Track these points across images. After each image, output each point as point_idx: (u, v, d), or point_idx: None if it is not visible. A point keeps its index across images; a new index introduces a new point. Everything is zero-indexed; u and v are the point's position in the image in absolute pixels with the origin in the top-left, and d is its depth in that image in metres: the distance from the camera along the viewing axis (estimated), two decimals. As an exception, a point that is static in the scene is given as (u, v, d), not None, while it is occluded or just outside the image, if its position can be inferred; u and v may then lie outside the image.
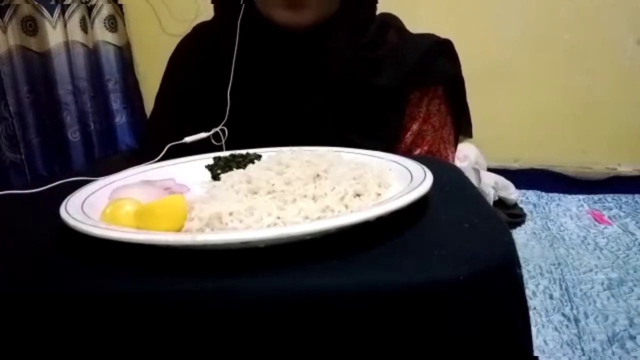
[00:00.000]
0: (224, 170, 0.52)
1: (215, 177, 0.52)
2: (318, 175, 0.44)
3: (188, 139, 0.59)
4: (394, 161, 0.50)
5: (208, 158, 0.56)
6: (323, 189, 0.42)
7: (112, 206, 0.41)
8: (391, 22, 0.76)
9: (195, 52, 0.77)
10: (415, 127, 0.72)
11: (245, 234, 0.34)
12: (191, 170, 0.54)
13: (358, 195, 0.42)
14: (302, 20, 0.66)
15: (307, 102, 0.69)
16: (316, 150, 0.53)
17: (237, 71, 0.68)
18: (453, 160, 0.76)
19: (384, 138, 0.69)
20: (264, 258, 0.34)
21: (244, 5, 0.70)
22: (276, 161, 0.47)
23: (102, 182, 0.48)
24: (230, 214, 0.38)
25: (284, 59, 0.70)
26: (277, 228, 0.35)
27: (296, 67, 0.70)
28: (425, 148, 0.72)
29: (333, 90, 0.69)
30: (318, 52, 0.69)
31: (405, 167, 0.47)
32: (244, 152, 0.56)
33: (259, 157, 0.55)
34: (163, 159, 0.56)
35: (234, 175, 0.47)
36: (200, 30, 0.79)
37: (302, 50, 0.69)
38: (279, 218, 0.38)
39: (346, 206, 0.40)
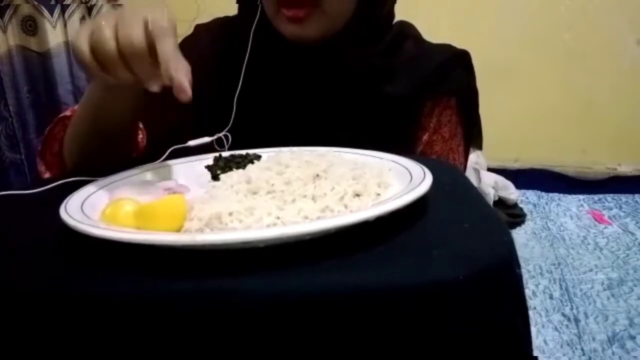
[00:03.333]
0: (224, 171, 0.52)
1: (215, 178, 0.52)
2: (317, 175, 0.44)
3: (191, 143, 0.59)
4: (393, 161, 0.50)
5: (208, 158, 0.56)
6: (322, 189, 0.42)
7: (112, 206, 0.41)
8: (409, 31, 0.76)
9: (210, 46, 0.76)
10: (425, 137, 0.72)
11: (245, 234, 0.34)
12: (191, 171, 0.54)
13: (357, 195, 0.42)
14: (308, 34, 0.66)
15: (318, 114, 0.69)
16: (316, 150, 0.52)
17: (247, 79, 0.68)
18: (463, 171, 0.76)
19: (399, 148, 0.69)
20: (264, 258, 0.34)
21: (258, 15, 0.69)
22: (276, 161, 0.47)
23: (102, 182, 0.48)
24: (230, 214, 0.38)
25: (294, 71, 0.69)
26: (276, 228, 0.35)
27: (307, 80, 0.69)
28: (434, 157, 0.72)
29: (345, 103, 0.69)
30: (329, 64, 0.69)
31: (405, 167, 0.47)
32: (243, 152, 0.56)
33: (258, 157, 0.55)
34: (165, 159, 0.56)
35: (234, 176, 0.47)
36: (221, 26, 0.79)
37: (313, 63, 0.69)
38: (278, 218, 0.38)
39: (346, 206, 0.40)
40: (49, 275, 0.34)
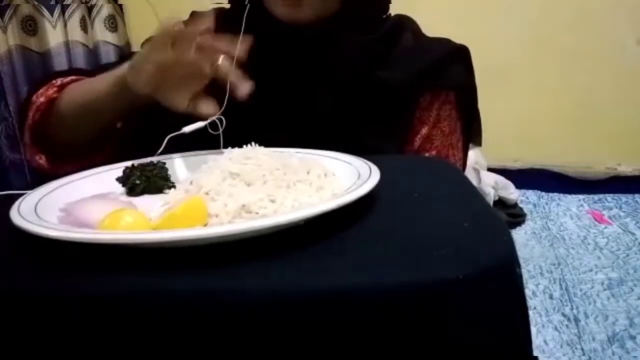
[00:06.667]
0: (141, 180, 0.50)
1: (132, 189, 0.50)
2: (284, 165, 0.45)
3: (186, 129, 0.58)
4: (336, 159, 0.52)
5: (117, 168, 0.53)
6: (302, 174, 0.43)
7: (110, 218, 0.40)
8: (407, 24, 0.75)
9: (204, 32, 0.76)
10: (424, 131, 0.72)
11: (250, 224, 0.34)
12: (100, 184, 0.52)
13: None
14: (302, 17, 0.66)
15: (313, 99, 0.69)
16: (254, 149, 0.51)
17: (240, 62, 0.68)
18: (462, 168, 0.75)
19: (394, 138, 0.69)
20: (264, 258, 0.34)
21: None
22: (244, 157, 0.47)
23: (54, 184, 0.48)
24: (255, 203, 0.39)
25: (288, 54, 0.69)
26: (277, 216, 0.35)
27: (301, 64, 0.69)
28: (434, 153, 0.71)
29: (339, 88, 0.69)
30: (323, 48, 0.69)
31: (349, 163, 0.49)
32: (148, 159, 0.54)
33: (163, 163, 0.53)
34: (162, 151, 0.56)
35: (215, 173, 0.45)
36: (217, 14, 0.78)
37: (307, 47, 0.69)
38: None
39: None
40: (48, 276, 0.34)
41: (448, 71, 0.71)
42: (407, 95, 0.70)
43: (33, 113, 0.67)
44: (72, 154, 0.68)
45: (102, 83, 0.63)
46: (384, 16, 0.75)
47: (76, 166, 0.67)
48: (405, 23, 0.75)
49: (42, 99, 0.67)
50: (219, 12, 0.78)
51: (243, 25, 0.69)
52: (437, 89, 0.71)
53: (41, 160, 0.68)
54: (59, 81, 0.69)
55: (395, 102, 0.69)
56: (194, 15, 0.79)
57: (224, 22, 0.74)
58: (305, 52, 0.69)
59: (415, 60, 0.70)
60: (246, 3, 0.70)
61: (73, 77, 0.70)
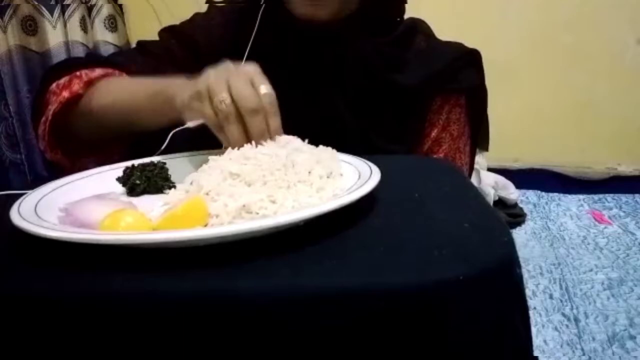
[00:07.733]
0: (142, 180, 0.50)
1: (133, 188, 0.50)
2: (285, 165, 0.45)
3: (190, 124, 0.57)
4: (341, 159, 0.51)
5: (117, 169, 0.53)
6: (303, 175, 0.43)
7: (110, 218, 0.39)
8: (420, 28, 0.76)
9: (220, 26, 0.75)
10: (434, 133, 0.72)
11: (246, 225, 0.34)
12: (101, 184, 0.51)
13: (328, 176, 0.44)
14: (321, 15, 0.66)
15: (325, 99, 0.69)
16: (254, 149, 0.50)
17: (253, 59, 0.68)
18: (468, 173, 0.75)
19: (405, 140, 0.69)
20: (264, 258, 0.34)
21: None
22: (244, 157, 0.46)
23: (54, 184, 0.48)
24: (254, 203, 0.39)
25: (303, 54, 0.69)
26: (270, 218, 0.35)
27: (315, 64, 0.69)
28: (441, 156, 0.72)
29: (352, 89, 0.69)
30: (337, 48, 0.69)
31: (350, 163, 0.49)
32: (148, 160, 0.54)
33: (164, 163, 0.53)
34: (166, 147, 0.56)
35: (214, 173, 0.45)
36: (233, 10, 0.78)
37: (321, 46, 0.69)
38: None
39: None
40: (47, 278, 0.34)
41: (459, 75, 0.71)
42: (419, 98, 0.70)
43: (54, 106, 0.63)
44: (91, 148, 0.67)
45: (143, 93, 0.60)
46: (398, 19, 0.75)
47: (92, 160, 0.66)
48: (418, 26, 0.76)
49: (65, 94, 0.63)
50: (235, 8, 0.79)
51: (257, 22, 0.69)
52: (448, 92, 0.71)
53: (57, 154, 0.66)
54: (83, 75, 0.65)
55: (406, 104, 0.69)
56: (211, 8, 0.79)
57: (241, 18, 0.75)
58: (319, 51, 0.69)
59: (427, 63, 0.70)
60: (262, 3, 0.70)
61: (101, 72, 0.66)
